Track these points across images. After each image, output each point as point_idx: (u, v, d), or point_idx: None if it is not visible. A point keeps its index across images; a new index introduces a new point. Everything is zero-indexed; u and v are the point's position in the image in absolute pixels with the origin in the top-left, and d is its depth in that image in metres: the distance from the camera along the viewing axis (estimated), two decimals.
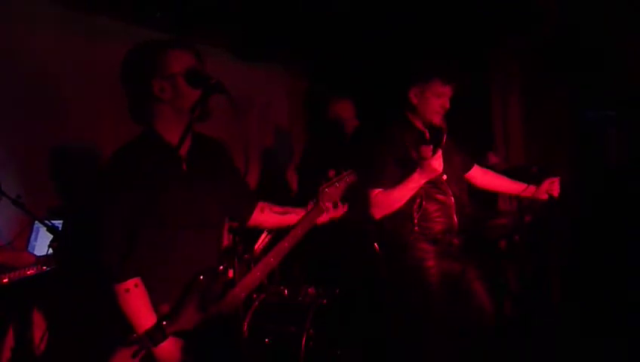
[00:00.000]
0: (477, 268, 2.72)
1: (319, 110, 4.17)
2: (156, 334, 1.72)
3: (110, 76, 3.47)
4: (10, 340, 2.84)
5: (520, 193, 2.93)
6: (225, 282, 1.97)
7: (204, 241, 1.90)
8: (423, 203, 2.62)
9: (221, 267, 1.95)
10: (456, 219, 2.69)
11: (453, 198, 2.69)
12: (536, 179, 2.95)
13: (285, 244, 2.01)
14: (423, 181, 2.56)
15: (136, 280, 1.74)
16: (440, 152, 2.50)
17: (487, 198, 3.63)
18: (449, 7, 3.91)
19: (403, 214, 2.62)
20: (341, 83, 4.44)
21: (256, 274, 1.97)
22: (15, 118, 3.07)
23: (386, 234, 2.74)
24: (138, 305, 1.73)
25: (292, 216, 2.13)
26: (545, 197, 2.82)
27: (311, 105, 4.91)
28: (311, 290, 3.26)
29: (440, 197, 2.67)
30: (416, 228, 2.62)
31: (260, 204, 2.19)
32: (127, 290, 1.72)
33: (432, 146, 2.52)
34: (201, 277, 1.83)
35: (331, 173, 2.14)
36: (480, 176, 2.99)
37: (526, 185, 2.90)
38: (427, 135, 2.77)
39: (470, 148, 3.06)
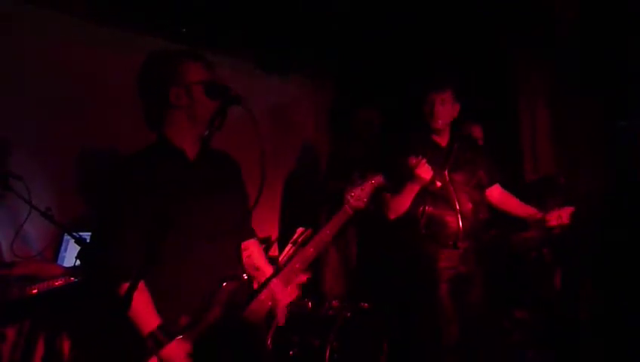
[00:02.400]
0: (483, 275, 2.87)
1: (345, 119, 4.20)
2: (160, 336, 1.72)
3: None
4: (40, 350, 2.89)
5: (528, 217, 2.99)
6: (249, 291, 1.97)
7: (219, 250, 1.91)
8: (427, 208, 2.81)
9: (245, 275, 1.96)
10: (461, 225, 2.81)
11: (458, 205, 2.82)
12: (563, 190, 2.93)
13: (311, 250, 2.01)
14: (415, 188, 2.74)
15: (139, 282, 1.71)
16: (424, 161, 2.65)
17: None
18: (472, 17, 3.90)
19: (411, 217, 2.82)
20: (366, 92, 4.46)
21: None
22: (45, 131, 3.14)
23: (397, 232, 2.92)
24: (141, 306, 1.72)
25: (262, 273, 2.10)
26: (554, 223, 2.84)
27: (336, 115, 4.93)
28: (335, 303, 3.25)
29: (445, 203, 2.82)
30: (422, 230, 2.81)
31: (250, 243, 2.14)
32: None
33: (420, 156, 2.67)
34: (225, 284, 1.83)
35: (356, 176, 2.15)
36: (497, 195, 3.07)
37: (537, 210, 2.95)
38: (443, 144, 2.93)
39: (499, 163, 3.11)
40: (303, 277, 2.09)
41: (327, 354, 2.89)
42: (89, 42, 3.34)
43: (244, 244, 2.10)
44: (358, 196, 2.09)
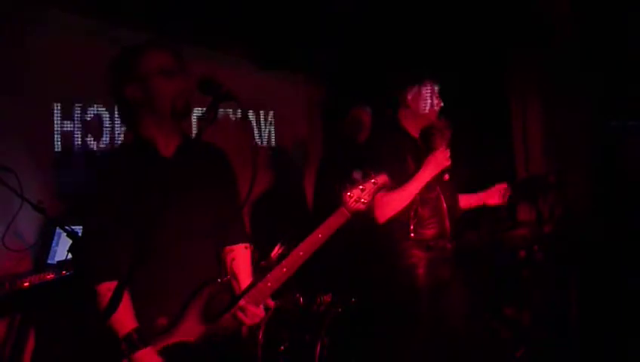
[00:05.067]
0: (465, 275, 2.79)
1: (338, 117, 4.20)
2: (135, 339, 1.66)
3: None
4: (30, 344, 2.89)
5: (476, 204, 2.94)
6: (232, 293, 1.88)
7: (196, 250, 1.83)
8: (419, 209, 2.66)
9: (225, 278, 1.88)
10: (448, 224, 2.73)
11: (445, 204, 2.73)
12: (554, 189, 2.93)
13: (300, 253, 1.87)
14: (429, 176, 2.61)
15: (115, 283, 1.65)
16: (447, 147, 2.60)
17: (506, 208, 3.59)
18: (465, 19, 3.92)
19: (398, 220, 2.64)
20: (360, 90, 4.46)
21: (267, 284, 1.85)
22: (37, 124, 3.14)
23: (379, 239, 2.75)
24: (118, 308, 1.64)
25: (239, 284, 1.95)
26: (495, 201, 2.83)
27: (329, 112, 4.93)
28: (327, 298, 3.25)
29: (433, 202, 2.71)
30: (412, 234, 2.65)
31: (237, 248, 2.01)
32: (109, 289, 1.61)
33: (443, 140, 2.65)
34: (205, 287, 1.78)
35: (356, 175, 2.00)
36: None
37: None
38: (435, 133, 2.86)
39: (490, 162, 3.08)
40: (271, 303, 1.94)
41: (318, 349, 2.90)
42: (83, 36, 3.33)
43: (230, 247, 2.00)
44: (357, 197, 1.92)
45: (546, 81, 4.27)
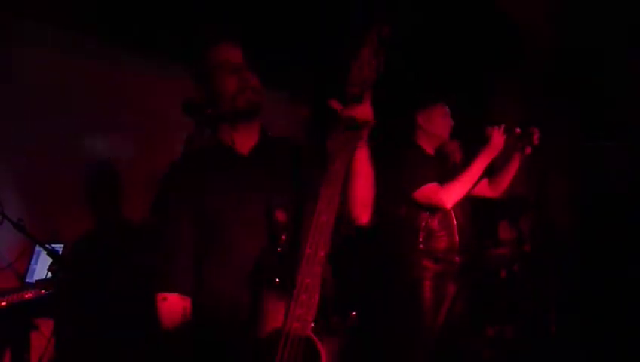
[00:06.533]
0: (468, 290, 2.85)
1: (322, 134, 4.20)
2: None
3: (123, 99, 3.46)
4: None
5: (513, 165, 2.93)
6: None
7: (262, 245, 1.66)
8: (429, 221, 2.71)
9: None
10: (457, 238, 2.78)
11: (454, 218, 2.79)
12: (534, 209, 2.96)
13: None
14: (489, 159, 2.65)
15: (175, 296, 1.61)
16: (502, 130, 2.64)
17: (487, 228, 3.62)
18: (445, 40, 3.99)
19: (407, 231, 2.71)
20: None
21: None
22: (17, 140, 3.10)
23: (387, 249, 2.81)
24: (170, 317, 1.60)
25: None
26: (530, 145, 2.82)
27: (312, 129, 4.94)
28: None
29: (442, 216, 2.76)
30: (421, 246, 2.70)
31: None
32: (165, 299, 1.60)
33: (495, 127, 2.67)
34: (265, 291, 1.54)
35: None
36: (485, 184, 3.01)
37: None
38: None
39: None
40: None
41: None
42: (66, 51, 3.31)
43: None
44: (361, 64, 1.35)
45: (525, 102, 4.34)
